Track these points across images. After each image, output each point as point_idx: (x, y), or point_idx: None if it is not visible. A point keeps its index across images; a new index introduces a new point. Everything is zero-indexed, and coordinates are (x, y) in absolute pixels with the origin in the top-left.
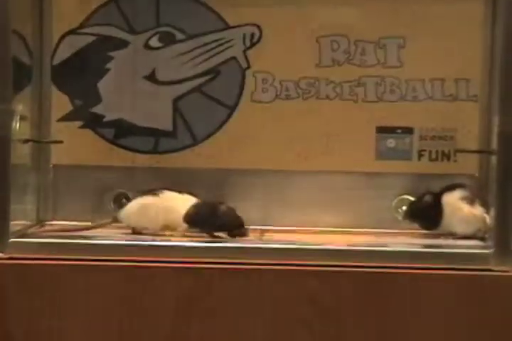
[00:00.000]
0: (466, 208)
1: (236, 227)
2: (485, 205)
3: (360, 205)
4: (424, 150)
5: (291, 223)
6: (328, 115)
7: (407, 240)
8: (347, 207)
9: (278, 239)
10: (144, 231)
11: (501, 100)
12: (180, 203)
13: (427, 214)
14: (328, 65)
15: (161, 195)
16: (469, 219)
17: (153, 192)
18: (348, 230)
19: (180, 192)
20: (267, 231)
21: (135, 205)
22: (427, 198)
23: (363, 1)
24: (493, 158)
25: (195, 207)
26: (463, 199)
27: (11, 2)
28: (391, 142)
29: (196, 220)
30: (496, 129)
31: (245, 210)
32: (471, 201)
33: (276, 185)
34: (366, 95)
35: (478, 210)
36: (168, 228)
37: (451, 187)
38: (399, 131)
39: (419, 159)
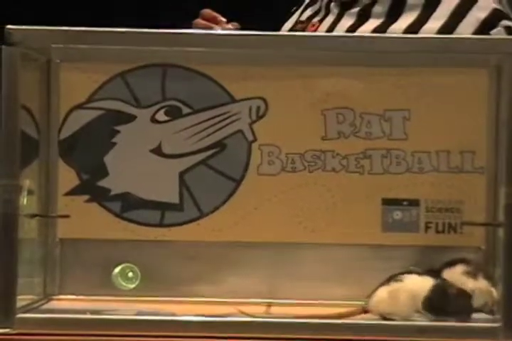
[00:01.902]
0: (470, 283)
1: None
2: (490, 278)
3: (366, 277)
4: (431, 223)
5: (297, 296)
6: (334, 187)
7: None
8: (353, 280)
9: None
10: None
11: (507, 172)
12: (422, 286)
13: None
14: (333, 138)
15: (404, 279)
16: (475, 294)
17: (395, 278)
18: (354, 303)
19: (419, 274)
20: (273, 304)
21: (384, 293)
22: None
23: (367, 73)
24: (500, 231)
25: (430, 291)
26: (465, 273)
27: (19, 77)
28: (397, 214)
29: (429, 306)
30: (502, 201)
31: (251, 283)
32: (474, 275)
33: (283, 257)
34: (372, 167)
35: (482, 284)
36: (418, 313)
37: (451, 263)
38: (405, 203)
39: (425, 231)
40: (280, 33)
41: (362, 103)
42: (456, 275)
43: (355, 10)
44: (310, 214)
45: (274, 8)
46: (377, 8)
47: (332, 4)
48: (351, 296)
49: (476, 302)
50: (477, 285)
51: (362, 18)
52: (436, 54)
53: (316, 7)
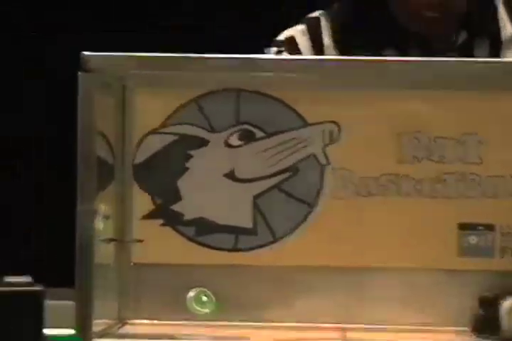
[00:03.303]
0: None
1: None
2: None
3: (442, 302)
4: (507, 247)
5: (372, 321)
6: (409, 211)
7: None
8: (429, 304)
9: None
10: None
11: None
12: None
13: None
14: (408, 162)
15: None
16: None
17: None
18: (429, 328)
19: None
20: (348, 329)
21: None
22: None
23: (442, 97)
24: None
25: None
26: None
27: (95, 103)
28: (473, 239)
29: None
30: None
31: (326, 308)
32: None
33: (358, 281)
34: (447, 191)
35: None
36: None
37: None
38: (480, 227)
39: (501, 256)
40: (353, 57)
41: (437, 127)
42: None
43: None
44: (384, 238)
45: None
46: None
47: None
48: (427, 321)
49: None
50: None
51: None
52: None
53: None
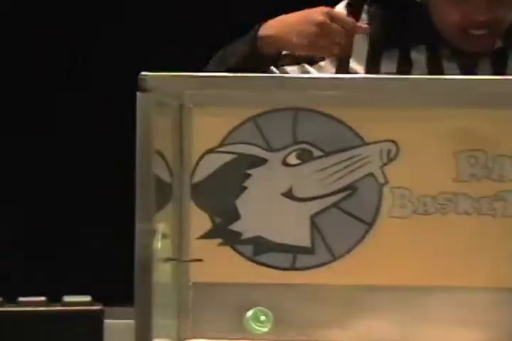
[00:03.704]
0: None
1: None
2: None
3: (505, 322)
4: None
5: None
6: (467, 230)
7: None
8: (491, 325)
9: None
10: None
11: None
12: None
13: None
14: (466, 180)
15: None
16: None
17: None
18: None
19: None
20: None
21: None
22: None
23: (499, 115)
24: None
25: None
26: None
27: (153, 122)
28: None
29: None
30: None
31: (383, 327)
32: None
33: (416, 301)
34: (506, 210)
35: None
36: None
37: None
38: None
39: None
40: (410, 76)
41: (494, 145)
42: None
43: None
44: (443, 258)
45: None
46: None
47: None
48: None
49: None
50: None
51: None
52: None
53: None
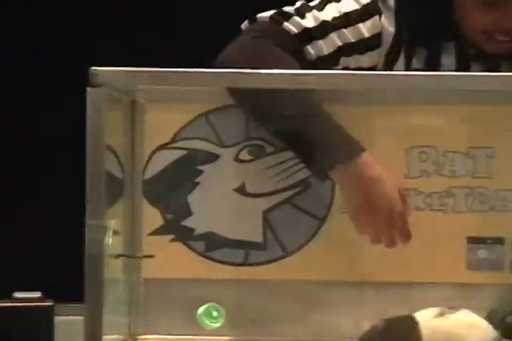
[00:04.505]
0: None
1: None
2: None
3: None
4: None
5: None
6: (418, 225)
7: None
8: None
9: None
10: None
11: None
12: None
13: None
14: (416, 176)
15: None
16: None
17: None
18: None
19: None
20: None
21: None
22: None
23: (451, 111)
24: None
25: None
26: None
27: (104, 118)
28: (482, 252)
29: None
30: None
31: (335, 322)
32: None
33: (367, 296)
34: (456, 206)
35: None
36: None
37: None
38: (489, 241)
39: (510, 270)
40: (362, 73)
41: (445, 141)
42: None
43: None
44: (395, 252)
45: None
46: None
47: None
48: None
49: None
50: None
51: None
52: None
53: None
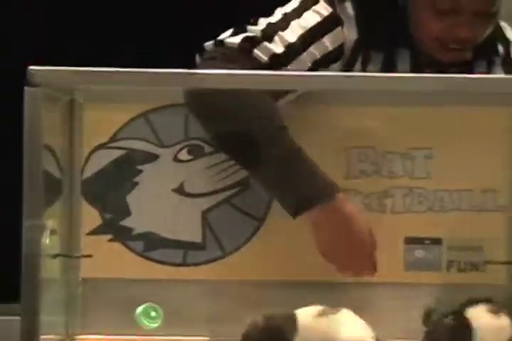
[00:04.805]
0: (494, 320)
1: None
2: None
3: (388, 316)
4: (453, 261)
5: None
6: None
7: None
8: (375, 318)
9: None
10: None
11: None
12: None
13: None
14: (356, 177)
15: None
16: (498, 331)
17: None
18: None
19: None
20: None
21: None
22: (450, 320)
23: (389, 112)
24: None
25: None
26: (489, 312)
27: (42, 117)
28: (419, 253)
29: None
30: None
31: None
32: (497, 313)
33: (306, 295)
34: (394, 206)
35: (506, 321)
36: None
37: (472, 302)
38: (427, 241)
39: (447, 270)
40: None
41: (384, 142)
42: (480, 313)
43: None
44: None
45: None
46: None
47: None
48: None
49: (501, 339)
50: (501, 324)
51: None
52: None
53: None
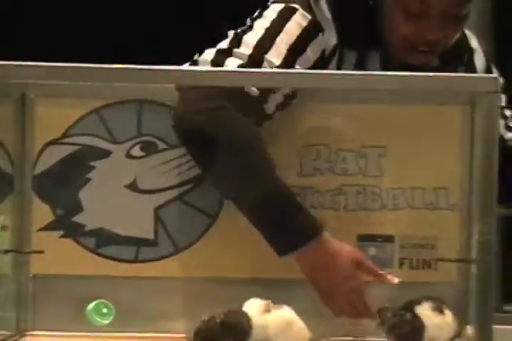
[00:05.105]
0: (438, 318)
1: None
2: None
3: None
4: (405, 259)
5: None
6: None
7: None
8: (326, 316)
9: None
10: None
11: (480, 209)
12: None
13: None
14: (310, 174)
15: None
16: (443, 328)
17: None
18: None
19: None
20: None
21: None
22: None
23: (344, 110)
24: (473, 267)
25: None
26: (433, 309)
27: None
28: (372, 250)
29: None
30: (475, 238)
31: None
32: (441, 310)
33: (257, 293)
34: (347, 204)
35: (449, 318)
36: None
37: (418, 300)
38: (380, 239)
39: (400, 267)
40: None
41: (338, 140)
42: (425, 311)
43: None
44: None
45: None
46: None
47: None
48: (324, 332)
49: (446, 335)
50: (445, 320)
51: None
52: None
53: None
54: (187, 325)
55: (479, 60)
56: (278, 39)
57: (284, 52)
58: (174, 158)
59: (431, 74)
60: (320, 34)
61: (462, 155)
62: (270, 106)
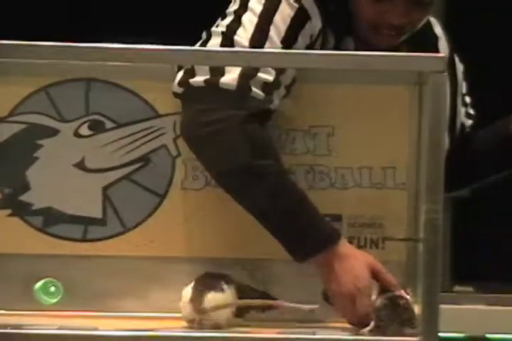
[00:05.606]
0: None
1: None
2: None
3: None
4: (353, 238)
5: None
6: None
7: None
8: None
9: None
10: None
11: (428, 188)
12: None
13: None
14: None
15: None
16: None
17: None
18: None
19: None
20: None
21: None
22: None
23: (292, 90)
24: (421, 246)
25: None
26: None
27: None
28: None
29: None
30: (422, 217)
31: (173, 298)
32: None
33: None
34: (296, 183)
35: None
36: None
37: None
38: (328, 218)
39: None
40: (201, 48)
41: (286, 119)
42: None
43: None
44: (234, 229)
45: None
46: None
47: None
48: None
49: None
50: None
51: None
52: (359, 71)
53: None
54: (136, 304)
55: (443, 47)
56: (270, 34)
57: (279, 45)
58: (122, 137)
59: (378, 53)
60: (308, 21)
61: (410, 134)
62: (275, 102)
